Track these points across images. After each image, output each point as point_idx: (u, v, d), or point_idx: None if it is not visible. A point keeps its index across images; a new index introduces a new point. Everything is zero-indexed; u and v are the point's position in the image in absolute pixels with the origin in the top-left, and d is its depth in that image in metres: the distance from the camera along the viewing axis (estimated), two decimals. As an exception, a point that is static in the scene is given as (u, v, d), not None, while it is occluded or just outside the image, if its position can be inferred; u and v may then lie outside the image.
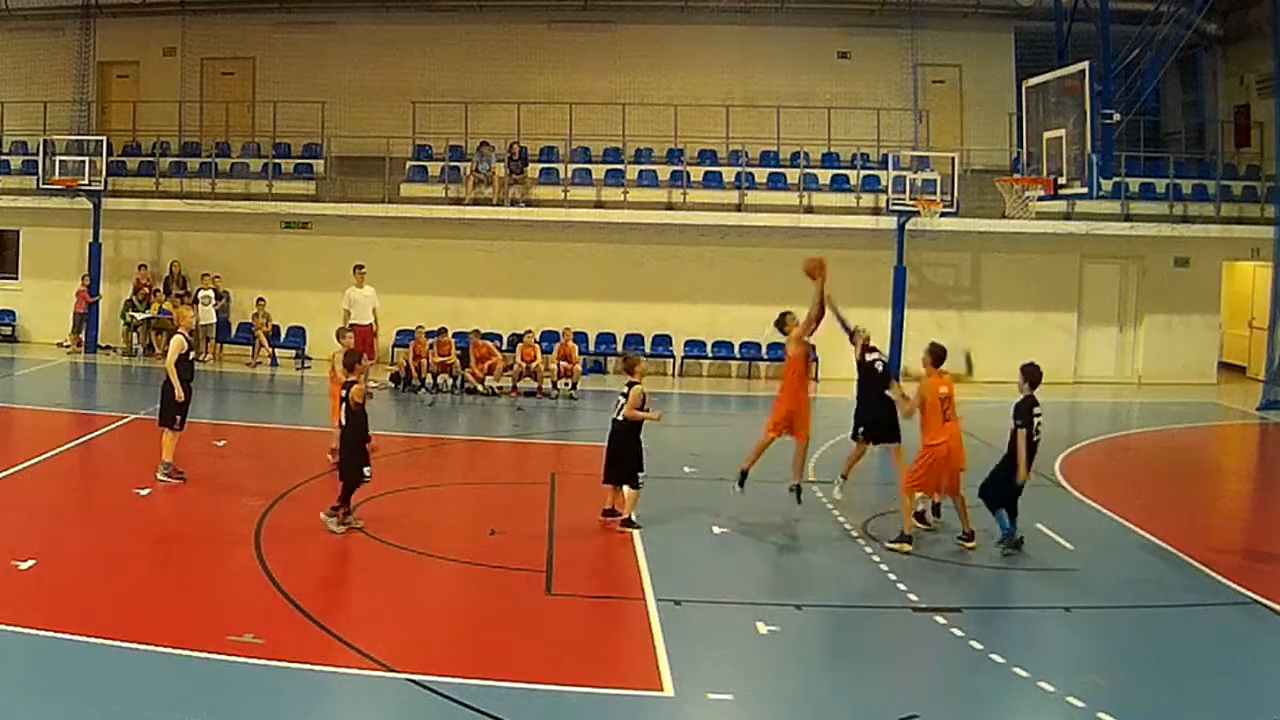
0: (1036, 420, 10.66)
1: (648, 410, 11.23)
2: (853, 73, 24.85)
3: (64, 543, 10.04)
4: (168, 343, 13.17)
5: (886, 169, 22.75)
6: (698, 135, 24.46)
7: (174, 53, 25.58)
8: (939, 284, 23.78)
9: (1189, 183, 23.81)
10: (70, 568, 9.34)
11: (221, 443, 14.69)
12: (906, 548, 10.61)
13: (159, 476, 12.18)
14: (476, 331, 21.14)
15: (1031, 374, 10.90)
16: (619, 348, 23.28)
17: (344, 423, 10.80)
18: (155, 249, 24.32)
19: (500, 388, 20.58)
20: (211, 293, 22.96)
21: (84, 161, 22.78)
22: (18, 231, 24.57)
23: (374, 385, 20.48)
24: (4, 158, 24.80)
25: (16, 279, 24.64)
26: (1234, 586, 9.92)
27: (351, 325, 19.06)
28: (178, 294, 22.97)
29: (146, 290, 23.41)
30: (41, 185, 22.95)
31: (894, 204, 22.38)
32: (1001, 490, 10.74)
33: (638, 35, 25.13)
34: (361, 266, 19.08)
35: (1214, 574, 10.29)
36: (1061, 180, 17.55)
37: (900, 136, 23.72)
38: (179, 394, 12.30)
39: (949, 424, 10.78)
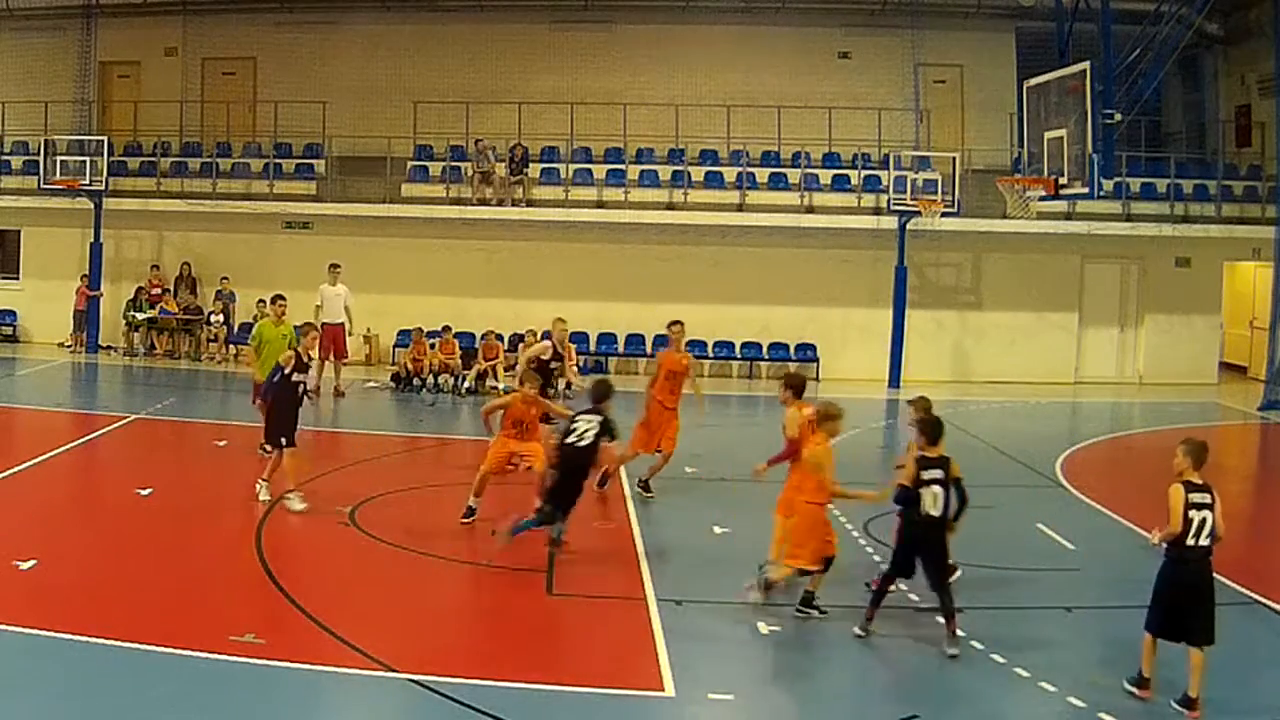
0: None
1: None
2: (854, 73, 24.84)
3: (64, 543, 10.05)
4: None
5: (887, 169, 22.72)
6: (699, 135, 24.45)
7: (175, 52, 25.60)
8: (940, 284, 23.79)
9: (1190, 183, 23.79)
10: (70, 568, 9.34)
11: (222, 443, 14.69)
12: None
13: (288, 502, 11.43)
14: (492, 333, 21.18)
15: None
16: (620, 347, 23.31)
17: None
18: (156, 249, 24.31)
19: (505, 389, 20.58)
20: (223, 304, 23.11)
21: (85, 161, 22.76)
22: (19, 231, 24.57)
23: (374, 385, 20.63)
24: (5, 158, 24.76)
25: (17, 279, 24.64)
26: (1234, 586, 9.89)
27: (323, 323, 19.40)
28: (192, 293, 23.13)
29: (156, 292, 23.41)
30: (42, 185, 22.92)
31: (895, 204, 22.35)
32: None
33: (639, 35, 25.13)
34: (337, 265, 19.71)
35: (1214, 574, 10.24)
36: (1062, 180, 17.55)
37: (901, 136, 23.71)
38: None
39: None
